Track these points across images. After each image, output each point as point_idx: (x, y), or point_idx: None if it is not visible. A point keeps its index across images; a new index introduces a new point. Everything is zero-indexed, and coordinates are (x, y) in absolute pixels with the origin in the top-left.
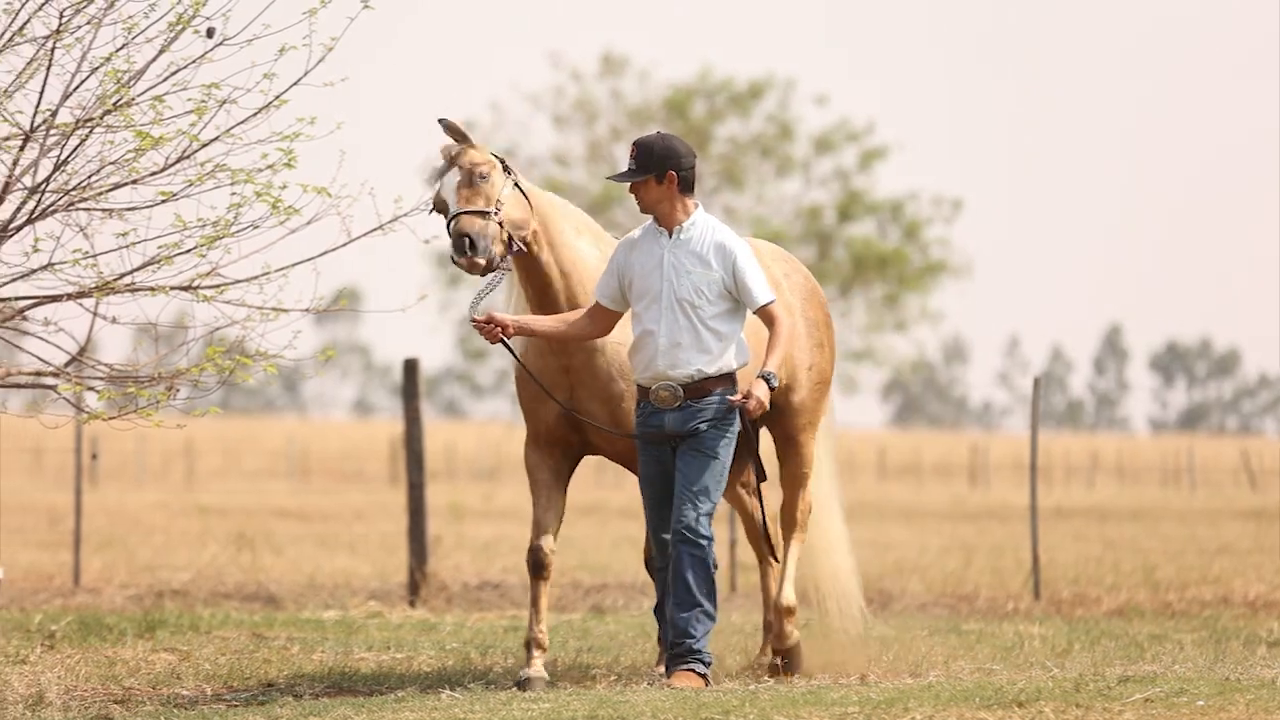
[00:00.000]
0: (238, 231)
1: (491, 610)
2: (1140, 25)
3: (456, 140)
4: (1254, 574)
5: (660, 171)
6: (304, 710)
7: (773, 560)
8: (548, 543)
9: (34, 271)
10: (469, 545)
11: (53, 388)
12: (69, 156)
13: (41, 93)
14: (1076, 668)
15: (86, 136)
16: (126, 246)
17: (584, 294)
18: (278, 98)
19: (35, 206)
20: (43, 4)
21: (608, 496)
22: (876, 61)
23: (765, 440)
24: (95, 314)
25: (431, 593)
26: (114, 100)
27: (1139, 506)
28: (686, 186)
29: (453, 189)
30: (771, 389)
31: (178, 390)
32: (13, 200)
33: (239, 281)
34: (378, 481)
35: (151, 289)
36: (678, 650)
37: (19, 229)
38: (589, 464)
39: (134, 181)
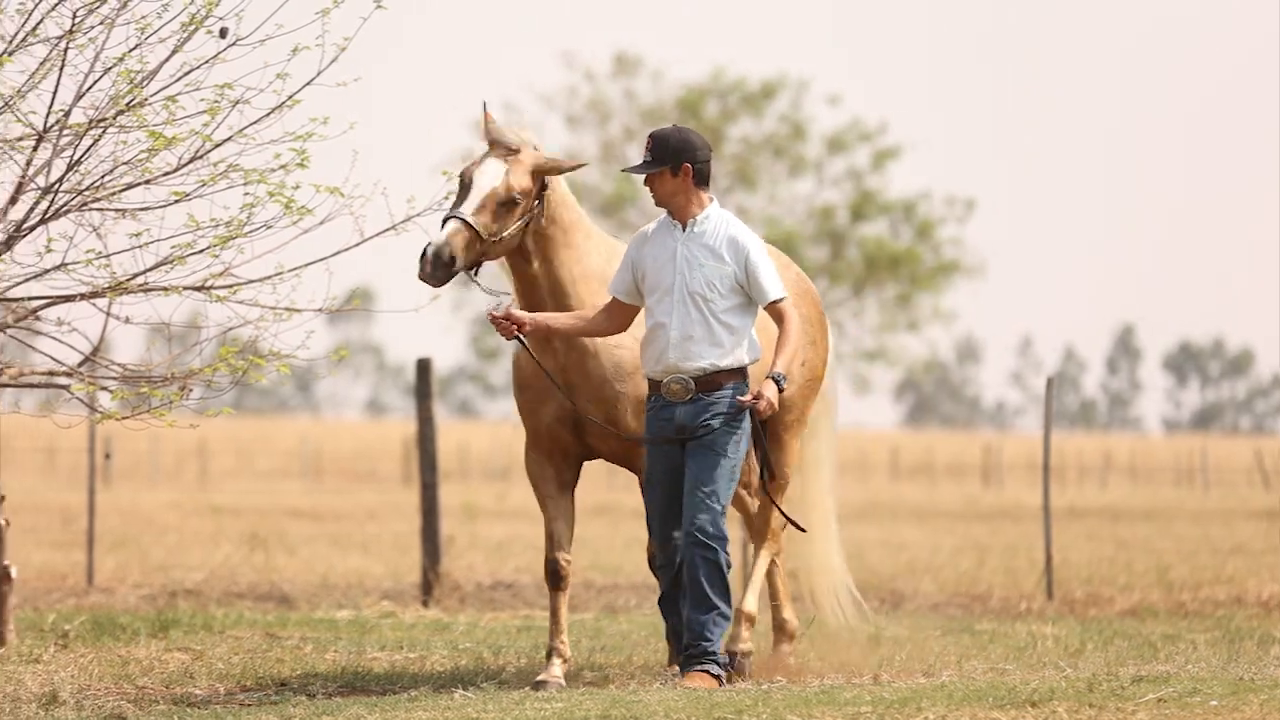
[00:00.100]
0: (251, 231)
1: (505, 610)
2: (1151, 24)
3: (556, 167)
4: (1268, 574)
5: (675, 164)
6: (317, 710)
7: (797, 529)
8: (565, 554)
9: (47, 271)
10: (482, 545)
11: (66, 388)
12: (82, 157)
13: (55, 93)
14: (1090, 668)
15: (100, 137)
16: (140, 246)
17: (586, 300)
18: (291, 98)
19: (48, 207)
20: (56, 4)
21: (620, 498)
22: (889, 61)
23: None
24: (108, 314)
25: (445, 593)
26: (127, 100)
27: (1152, 506)
28: (701, 180)
29: (483, 190)
30: (781, 389)
31: (191, 390)
32: (26, 200)
33: (252, 281)
34: (391, 481)
35: (165, 289)
36: (692, 652)
37: (32, 229)
38: (602, 464)
39: (147, 181)
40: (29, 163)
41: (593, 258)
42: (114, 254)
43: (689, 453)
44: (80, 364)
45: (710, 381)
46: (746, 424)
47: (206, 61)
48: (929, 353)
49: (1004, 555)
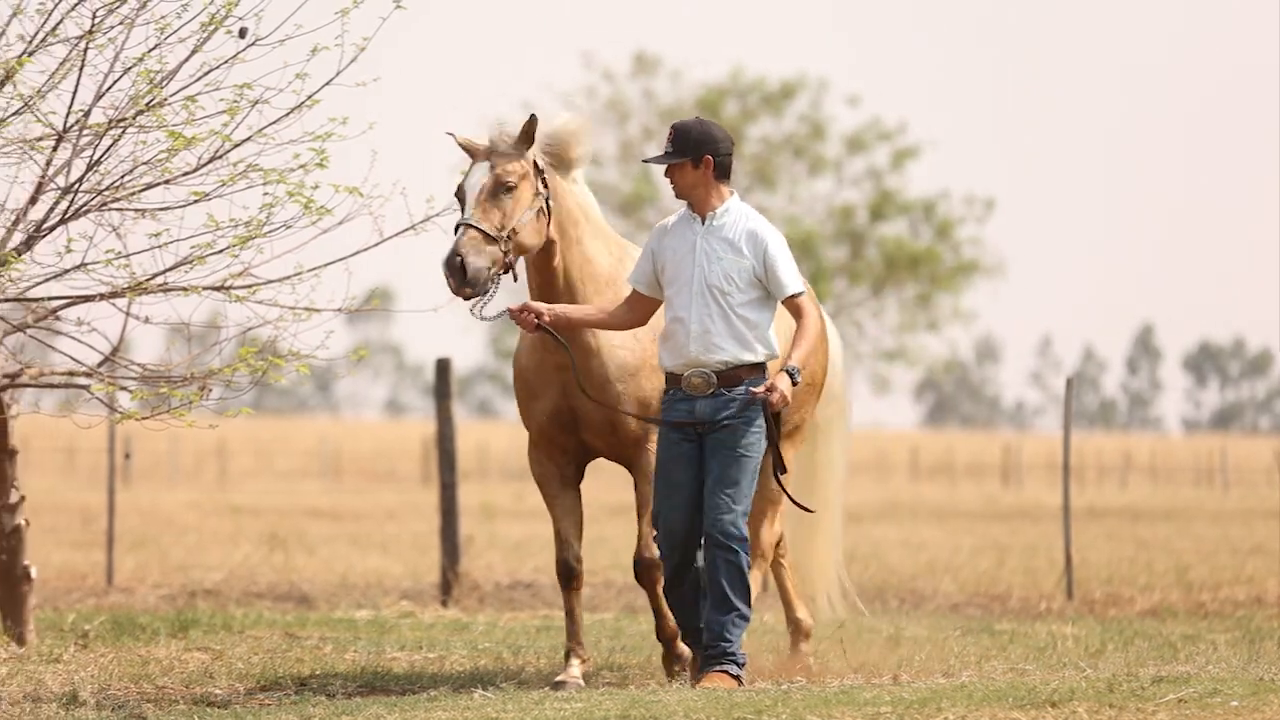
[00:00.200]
0: (270, 231)
1: (524, 610)
2: (1170, 24)
3: (523, 138)
4: None
5: (696, 156)
6: (337, 709)
7: (804, 510)
8: (574, 553)
9: (67, 272)
10: (501, 545)
11: (86, 388)
12: (102, 157)
13: (74, 93)
14: (1110, 668)
15: (119, 137)
16: (159, 246)
17: (592, 299)
18: (310, 98)
19: (68, 207)
20: (76, 4)
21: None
22: (909, 61)
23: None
24: (128, 314)
25: (464, 592)
26: (146, 100)
27: (1172, 506)
28: (722, 173)
29: (475, 189)
30: (795, 383)
31: (210, 390)
32: (46, 200)
33: (271, 281)
34: (410, 481)
35: (184, 289)
36: (712, 652)
37: (52, 229)
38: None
39: (166, 182)
40: (49, 163)
41: (602, 258)
42: (134, 254)
43: (710, 452)
44: (100, 364)
45: (732, 376)
46: (761, 418)
47: (226, 61)
48: (948, 352)
49: (1024, 555)
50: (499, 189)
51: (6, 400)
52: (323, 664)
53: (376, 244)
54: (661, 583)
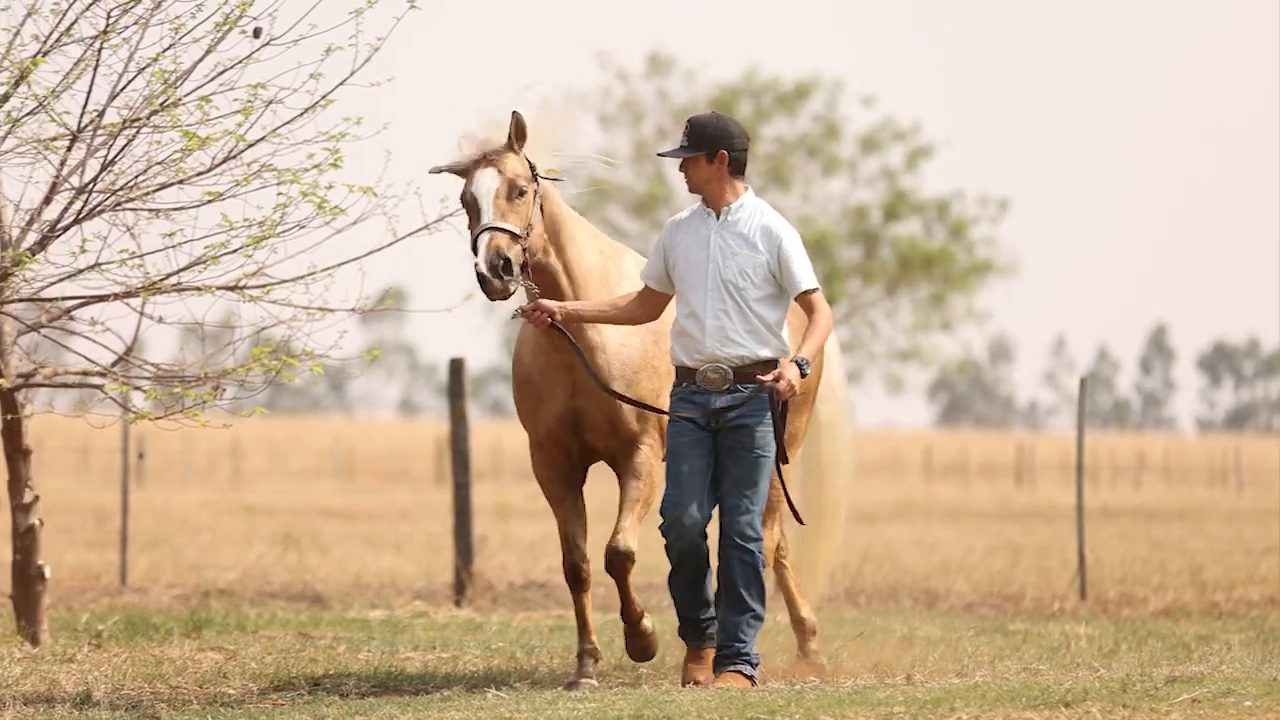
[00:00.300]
0: (284, 231)
1: (537, 610)
2: (1185, 26)
3: (516, 138)
4: None
5: (712, 150)
6: (350, 709)
7: (797, 521)
8: (581, 554)
9: (81, 271)
10: (515, 545)
11: (100, 387)
12: (116, 157)
13: (89, 93)
14: (1123, 668)
15: (133, 137)
16: (173, 246)
17: (582, 298)
18: (324, 98)
19: (82, 207)
20: (90, 4)
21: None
22: (923, 61)
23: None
24: (142, 314)
25: (477, 592)
26: (161, 100)
27: (1186, 506)
28: (737, 168)
29: (489, 195)
30: (804, 375)
31: (224, 390)
32: (60, 200)
33: (285, 281)
34: (423, 481)
35: (198, 289)
36: (726, 652)
37: (66, 229)
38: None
39: (180, 181)
40: (63, 163)
41: (593, 256)
42: (148, 254)
43: (726, 452)
44: (114, 364)
45: (747, 372)
46: (768, 412)
47: (240, 61)
48: (962, 352)
49: (1037, 555)
50: (513, 191)
51: (21, 400)
52: (336, 664)
53: (390, 244)
54: (630, 573)
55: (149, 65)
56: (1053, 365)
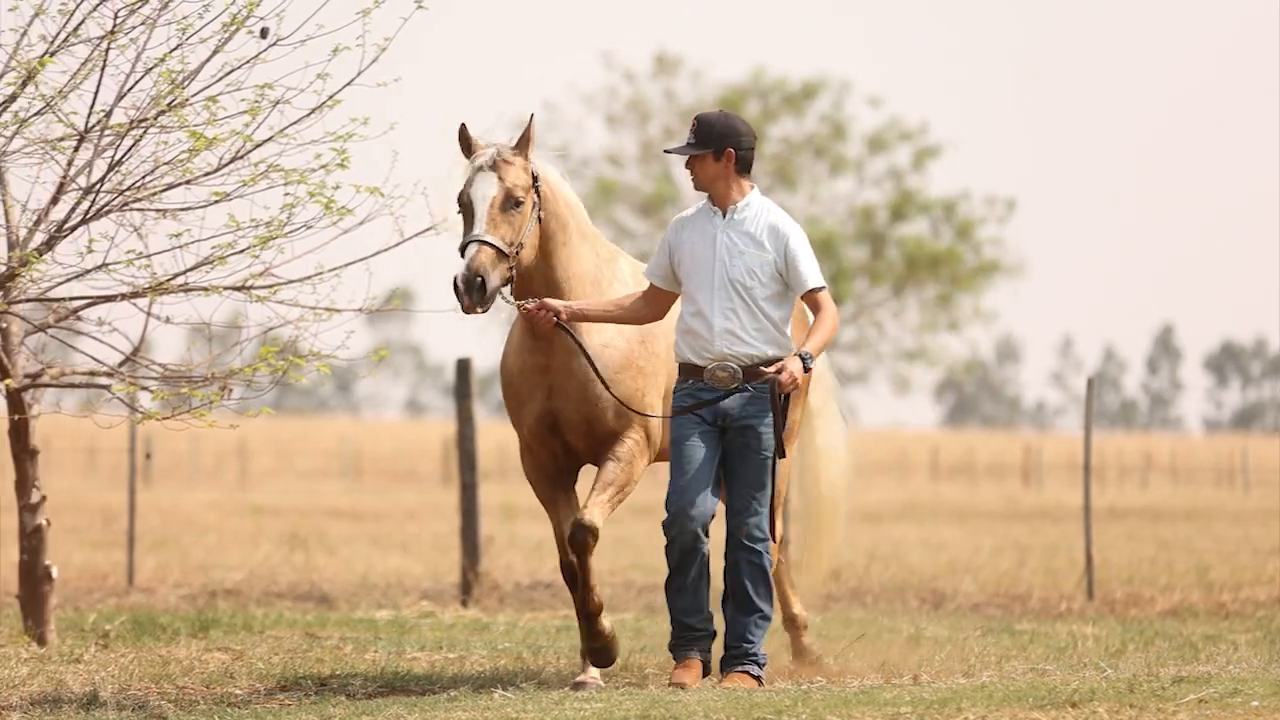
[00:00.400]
0: (291, 232)
1: (544, 610)
2: (1192, 24)
3: (520, 144)
4: None
5: (719, 148)
6: (357, 709)
7: (772, 540)
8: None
9: (88, 272)
10: (521, 545)
11: (107, 388)
12: (123, 157)
13: (96, 93)
14: (1130, 668)
15: (141, 137)
16: (180, 247)
17: (577, 299)
18: (331, 98)
19: (89, 207)
20: (97, 4)
21: (662, 498)
22: (930, 61)
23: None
24: (149, 314)
25: (484, 592)
26: (168, 101)
27: (1193, 507)
28: (744, 166)
29: (484, 202)
30: (807, 369)
31: (231, 390)
32: (67, 200)
33: (292, 281)
34: (430, 481)
35: (205, 289)
36: (734, 652)
37: (73, 229)
38: (653, 465)
39: (188, 182)
40: (70, 163)
41: (586, 259)
42: (155, 254)
43: (734, 453)
44: (121, 364)
45: (756, 371)
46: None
47: (247, 62)
48: (969, 353)
49: (1044, 555)
50: (509, 203)
51: (28, 400)
52: (343, 664)
53: (397, 244)
54: (593, 549)
55: (156, 65)
56: (1060, 365)
